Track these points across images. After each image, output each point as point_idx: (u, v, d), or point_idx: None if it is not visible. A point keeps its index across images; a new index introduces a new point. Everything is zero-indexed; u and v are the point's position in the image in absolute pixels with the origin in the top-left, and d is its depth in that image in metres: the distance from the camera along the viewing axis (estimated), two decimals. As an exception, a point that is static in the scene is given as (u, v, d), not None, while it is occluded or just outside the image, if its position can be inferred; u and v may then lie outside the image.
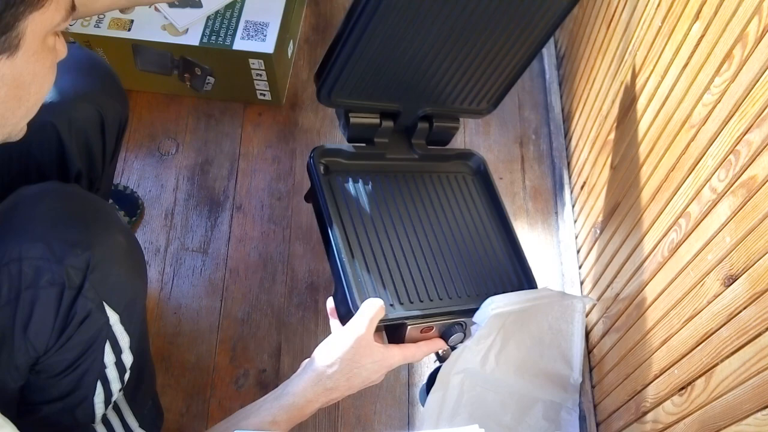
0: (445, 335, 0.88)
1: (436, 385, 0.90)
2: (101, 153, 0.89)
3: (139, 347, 0.80)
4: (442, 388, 0.91)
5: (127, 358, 0.79)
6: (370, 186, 0.97)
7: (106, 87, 0.88)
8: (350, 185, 0.97)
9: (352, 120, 0.97)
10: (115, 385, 0.80)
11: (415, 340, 0.87)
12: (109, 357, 0.77)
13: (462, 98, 1.01)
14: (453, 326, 0.87)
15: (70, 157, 0.84)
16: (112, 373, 0.79)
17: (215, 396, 1.07)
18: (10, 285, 0.67)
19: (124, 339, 0.77)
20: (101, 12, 0.97)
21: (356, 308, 0.82)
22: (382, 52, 0.89)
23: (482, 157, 1.06)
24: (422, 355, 0.86)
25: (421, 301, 0.90)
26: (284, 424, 0.77)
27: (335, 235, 0.89)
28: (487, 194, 1.04)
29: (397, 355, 0.83)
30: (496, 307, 0.86)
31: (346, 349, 0.79)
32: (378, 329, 0.84)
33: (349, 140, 1.00)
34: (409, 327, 0.86)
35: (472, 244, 0.97)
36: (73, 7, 0.61)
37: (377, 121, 0.99)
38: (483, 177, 1.05)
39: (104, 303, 0.72)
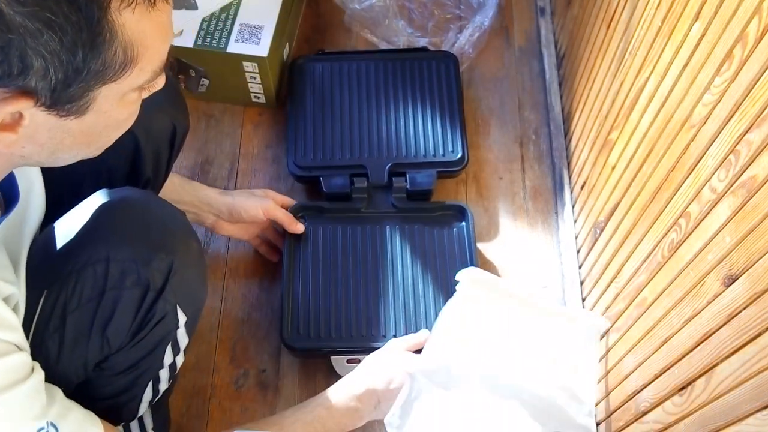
0: None
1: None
2: (167, 162, 0.92)
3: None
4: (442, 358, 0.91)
5: (180, 360, 0.83)
6: (338, 236, 1.11)
7: (177, 100, 0.91)
8: (320, 235, 1.11)
9: (324, 183, 1.13)
10: (163, 386, 0.84)
11: (343, 370, 1.02)
12: (167, 358, 0.80)
13: (421, 151, 1.16)
14: None
15: (142, 165, 0.87)
16: (164, 374, 0.83)
17: (215, 396, 1.07)
18: (93, 284, 0.70)
19: (184, 342, 0.81)
20: None
21: (285, 335, 1.02)
22: (319, 116, 1.19)
23: (465, 208, 1.13)
24: None
25: (352, 337, 1.02)
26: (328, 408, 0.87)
27: (285, 275, 1.06)
28: (461, 245, 1.11)
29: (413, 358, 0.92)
30: (473, 273, 0.96)
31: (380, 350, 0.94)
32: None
33: (328, 200, 1.15)
34: (332, 357, 1.03)
35: (422, 289, 1.07)
36: (165, 64, 0.58)
37: (348, 181, 1.13)
38: (464, 228, 1.12)
39: (178, 306, 0.76)
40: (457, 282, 0.95)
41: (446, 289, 1.06)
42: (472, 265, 1.07)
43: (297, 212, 1.12)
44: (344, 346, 1.02)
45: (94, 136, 0.59)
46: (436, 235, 1.11)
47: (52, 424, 0.63)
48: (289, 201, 1.13)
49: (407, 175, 1.14)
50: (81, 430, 0.68)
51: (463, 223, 1.12)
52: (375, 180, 1.14)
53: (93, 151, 0.62)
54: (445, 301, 0.98)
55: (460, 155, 1.17)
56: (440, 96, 1.22)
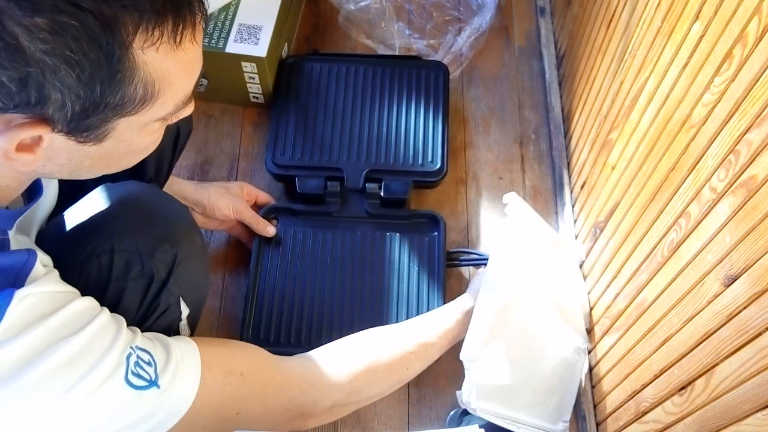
0: None
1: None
2: (169, 163, 0.93)
3: None
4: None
5: None
6: (309, 239, 1.11)
7: None
8: (290, 237, 1.10)
9: (298, 183, 1.12)
10: None
11: None
12: None
13: (399, 159, 1.16)
14: None
15: (146, 166, 0.88)
16: None
17: (215, 396, 1.07)
18: (98, 275, 0.70)
19: (186, 334, 0.82)
20: None
21: (245, 336, 1.02)
22: (303, 116, 1.18)
23: (438, 217, 1.12)
24: None
25: (311, 343, 0.97)
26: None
27: (250, 274, 1.06)
28: (431, 255, 1.10)
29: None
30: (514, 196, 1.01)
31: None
32: None
33: (301, 201, 1.15)
34: None
35: (387, 298, 1.06)
36: (191, 97, 0.59)
37: (322, 182, 1.12)
38: (436, 238, 1.11)
39: (181, 298, 0.77)
40: (506, 204, 1.02)
41: (413, 299, 1.06)
42: (440, 275, 1.07)
43: (269, 213, 1.11)
44: (303, 352, 0.99)
45: (114, 160, 0.60)
46: (408, 243, 1.10)
47: (141, 348, 0.65)
48: (264, 196, 1.13)
49: (382, 182, 1.13)
50: (182, 349, 0.70)
51: (436, 233, 1.11)
52: (351, 184, 1.14)
53: (114, 170, 0.63)
54: (409, 312, 1.04)
55: (438, 166, 1.15)
56: (426, 105, 1.21)
